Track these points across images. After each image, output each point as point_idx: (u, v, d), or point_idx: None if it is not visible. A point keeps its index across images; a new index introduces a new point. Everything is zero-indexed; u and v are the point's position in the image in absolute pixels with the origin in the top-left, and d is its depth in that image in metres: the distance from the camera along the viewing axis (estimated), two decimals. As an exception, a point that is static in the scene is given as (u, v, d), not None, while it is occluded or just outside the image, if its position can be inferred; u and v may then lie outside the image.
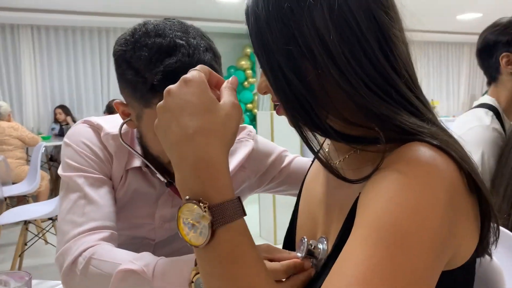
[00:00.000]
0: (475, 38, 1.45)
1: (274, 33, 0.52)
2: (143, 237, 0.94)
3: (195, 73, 0.53)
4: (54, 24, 5.99)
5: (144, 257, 0.73)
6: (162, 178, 0.87)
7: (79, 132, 0.91)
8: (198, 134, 0.48)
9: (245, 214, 0.50)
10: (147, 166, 0.90)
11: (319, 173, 0.70)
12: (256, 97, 7.20)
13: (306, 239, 0.62)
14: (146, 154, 0.89)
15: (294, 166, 1.04)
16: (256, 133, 1.07)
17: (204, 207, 0.46)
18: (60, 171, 0.88)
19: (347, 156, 0.61)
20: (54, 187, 5.50)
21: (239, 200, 0.49)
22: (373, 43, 0.51)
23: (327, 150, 0.68)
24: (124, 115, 0.86)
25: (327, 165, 0.55)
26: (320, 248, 0.62)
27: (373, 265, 0.41)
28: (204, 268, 0.48)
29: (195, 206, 0.46)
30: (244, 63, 7.12)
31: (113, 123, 0.91)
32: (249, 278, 0.46)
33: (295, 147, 3.54)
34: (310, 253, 0.61)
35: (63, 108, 5.84)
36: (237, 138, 1.03)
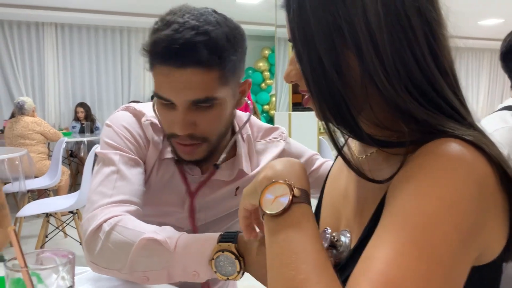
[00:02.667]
0: (496, 44, 1.45)
1: (319, 21, 0.51)
2: (171, 225, 0.97)
3: None
4: (78, 23, 6.11)
5: (168, 230, 0.76)
6: (172, 155, 0.92)
7: (121, 117, 0.95)
8: None
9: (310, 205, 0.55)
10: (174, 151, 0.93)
11: (343, 167, 0.70)
12: (273, 99, 7.23)
13: (329, 230, 0.64)
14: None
15: (324, 170, 1.05)
16: None
17: (290, 186, 0.53)
18: (97, 149, 0.93)
19: (369, 154, 0.62)
20: (74, 182, 5.60)
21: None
22: (423, 45, 0.50)
23: (353, 146, 0.67)
24: None
25: (350, 164, 0.55)
26: (342, 241, 0.63)
27: (400, 260, 0.41)
28: (271, 236, 0.51)
29: (284, 185, 0.53)
30: (262, 64, 7.15)
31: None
32: (304, 244, 0.48)
33: (312, 147, 3.56)
34: (332, 245, 0.63)
35: (84, 106, 5.95)
36: (269, 138, 1.04)
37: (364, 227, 0.56)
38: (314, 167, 1.06)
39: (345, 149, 0.57)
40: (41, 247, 3.04)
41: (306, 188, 0.54)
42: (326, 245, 0.63)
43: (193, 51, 0.76)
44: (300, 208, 0.51)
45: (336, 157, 0.81)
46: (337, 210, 0.68)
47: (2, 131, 4.91)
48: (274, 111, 6.89)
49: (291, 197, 0.51)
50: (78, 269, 1.11)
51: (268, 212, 0.52)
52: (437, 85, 0.51)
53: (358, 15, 0.49)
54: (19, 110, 4.29)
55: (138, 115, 0.96)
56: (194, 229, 0.97)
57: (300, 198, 0.52)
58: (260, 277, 0.68)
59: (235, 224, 1.02)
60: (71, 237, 3.44)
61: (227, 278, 0.70)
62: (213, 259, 0.69)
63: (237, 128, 1.00)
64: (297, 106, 4.92)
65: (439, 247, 0.41)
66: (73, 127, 5.89)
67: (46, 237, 3.19)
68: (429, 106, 0.50)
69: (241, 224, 0.65)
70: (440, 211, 0.43)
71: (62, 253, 0.55)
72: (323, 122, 0.56)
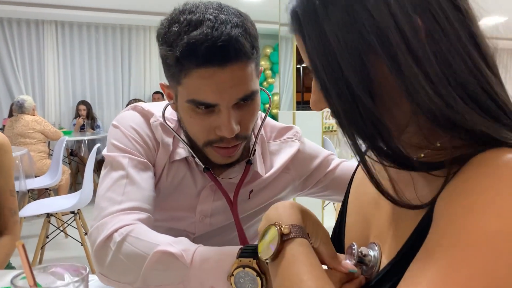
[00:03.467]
0: (500, 43, 1.40)
1: (343, 44, 0.45)
2: (183, 230, 0.93)
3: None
4: (78, 21, 6.06)
5: (183, 242, 0.71)
6: (200, 163, 0.88)
7: (129, 117, 0.91)
8: None
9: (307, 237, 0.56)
10: (192, 156, 0.89)
11: None
12: (275, 98, 7.18)
13: (356, 246, 0.59)
14: (190, 142, 0.88)
15: (340, 170, 1.01)
16: None
17: (278, 226, 0.55)
18: (104, 152, 0.89)
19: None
20: (74, 181, 5.56)
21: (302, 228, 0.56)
22: (469, 44, 0.44)
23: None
24: (169, 97, 0.86)
25: (381, 189, 0.49)
26: (371, 256, 0.59)
27: (452, 279, 0.38)
28: (273, 277, 0.54)
29: (273, 227, 0.56)
30: (264, 63, 7.10)
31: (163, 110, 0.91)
32: (304, 274, 0.49)
33: (316, 149, 3.53)
34: (360, 261, 0.59)
35: (86, 104, 5.90)
36: (283, 138, 1.01)
37: (404, 243, 0.51)
38: (330, 167, 1.02)
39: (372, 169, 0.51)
40: (42, 247, 3.00)
41: (297, 222, 0.55)
42: (354, 261, 0.58)
43: (237, 45, 0.72)
44: (294, 244, 0.53)
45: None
46: (365, 218, 0.64)
47: (2, 129, 4.86)
48: (276, 110, 6.85)
49: (279, 237, 0.53)
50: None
51: (265, 258, 0.55)
52: (491, 89, 0.45)
53: (390, 26, 0.43)
54: (19, 109, 4.25)
55: (146, 115, 0.92)
56: (206, 234, 0.92)
57: (291, 234, 0.54)
58: None
59: (248, 229, 0.98)
60: (72, 237, 3.40)
61: None
62: (232, 275, 0.64)
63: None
64: (298, 105, 4.90)
65: (494, 268, 0.37)
66: (74, 124, 5.85)
67: (47, 237, 3.15)
68: (486, 115, 0.44)
69: None
70: (499, 229, 0.38)
71: (73, 268, 0.50)
72: (356, 154, 0.50)
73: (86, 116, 5.82)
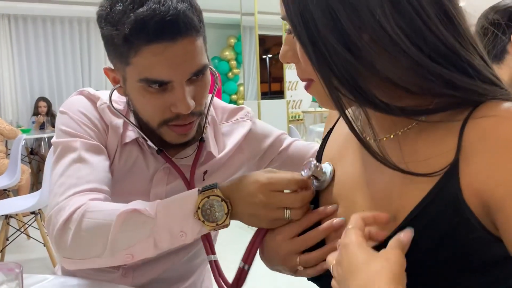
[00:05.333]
0: None
1: None
2: None
3: (352, 237, 0.48)
4: (32, 14, 5.81)
5: (142, 202, 0.72)
6: (153, 146, 0.86)
7: (76, 102, 0.90)
8: None
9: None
10: (143, 138, 0.87)
11: (349, 144, 0.63)
12: (241, 88, 7.16)
13: (314, 161, 0.63)
14: (140, 125, 0.87)
15: (294, 148, 1.01)
16: None
17: None
18: (53, 139, 0.86)
19: (384, 138, 0.55)
20: (35, 181, 5.37)
21: None
22: (434, 15, 0.47)
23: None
24: (114, 82, 0.85)
25: (371, 150, 0.51)
26: (325, 172, 0.64)
27: None
28: None
29: None
30: (228, 53, 7.05)
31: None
32: None
33: (282, 138, 3.54)
34: (314, 174, 0.64)
35: (46, 100, 5.69)
36: (234, 118, 1.00)
37: (415, 206, 0.49)
38: (283, 146, 1.01)
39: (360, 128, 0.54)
40: (1, 250, 2.89)
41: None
42: (309, 173, 0.63)
43: (186, 19, 0.72)
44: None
45: (328, 135, 0.74)
46: (350, 201, 0.60)
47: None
48: (242, 101, 6.83)
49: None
50: (38, 277, 1.03)
51: None
52: (458, 51, 0.48)
53: None
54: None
55: (93, 99, 0.91)
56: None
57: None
58: (247, 218, 0.68)
59: None
60: (34, 238, 3.28)
61: (216, 224, 0.67)
62: (198, 208, 0.66)
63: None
64: (265, 95, 4.89)
65: None
66: (33, 122, 5.63)
67: (7, 240, 3.04)
68: (455, 69, 0.47)
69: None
70: None
71: (8, 267, 0.47)
72: (336, 102, 0.51)
73: (46, 113, 5.62)
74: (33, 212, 2.95)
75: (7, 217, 2.87)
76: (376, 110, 0.50)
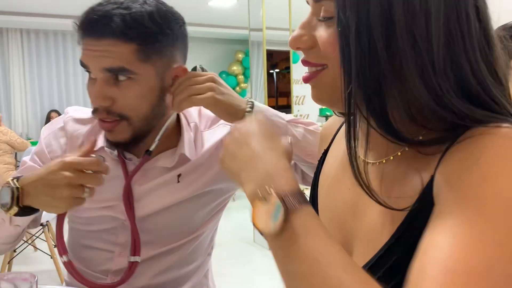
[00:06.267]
0: None
1: None
2: (115, 217, 0.95)
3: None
4: (44, 28, 5.93)
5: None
6: (112, 150, 0.93)
7: (42, 131, 1.02)
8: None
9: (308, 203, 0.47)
10: (111, 145, 0.92)
11: (345, 173, 0.60)
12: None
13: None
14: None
15: None
16: None
17: (278, 195, 0.46)
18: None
19: (384, 161, 0.54)
20: (43, 193, 5.40)
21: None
22: (478, 51, 0.46)
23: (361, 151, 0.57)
24: None
25: (360, 177, 0.48)
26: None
27: (481, 247, 0.37)
28: (281, 255, 0.46)
29: (272, 196, 0.46)
30: (236, 68, 7.12)
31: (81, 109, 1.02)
32: (321, 248, 0.43)
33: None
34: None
35: (58, 113, 5.76)
36: (216, 125, 1.03)
37: (389, 237, 0.48)
38: None
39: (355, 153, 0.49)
40: (9, 262, 2.90)
41: (296, 186, 0.47)
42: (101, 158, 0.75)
43: (109, 22, 0.79)
44: (301, 213, 0.44)
45: (324, 154, 0.70)
46: (343, 227, 0.58)
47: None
48: (249, 115, 6.86)
49: (283, 212, 0.44)
50: (46, 288, 1.03)
51: (267, 234, 0.45)
52: (490, 91, 0.46)
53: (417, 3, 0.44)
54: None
55: (59, 120, 1.02)
56: (131, 220, 0.92)
57: (294, 204, 0.45)
58: (44, 199, 0.76)
59: (180, 220, 0.97)
60: (41, 250, 3.29)
61: (7, 208, 0.77)
62: None
63: (184, 120, 0.99)
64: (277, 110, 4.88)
65: None
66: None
67: (14, 251, 3.05)
68: (476, 104, 0.45)
69: None
70: None
71: (22, 277, 0.48)
72: (346, 101, 0.47)
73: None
74: (41, 224, 2.96)
75: (15, 228, 2.88)
76: (378, 122, 0.47)
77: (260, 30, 3.57)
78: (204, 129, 1.01)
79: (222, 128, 1.01)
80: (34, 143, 4.86)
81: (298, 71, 4.25)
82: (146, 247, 0.93)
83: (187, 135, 0.97)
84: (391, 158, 0.52)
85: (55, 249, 2.94)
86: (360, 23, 0.45)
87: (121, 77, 0.83)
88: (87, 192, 0.77)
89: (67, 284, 1.02)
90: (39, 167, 0.93)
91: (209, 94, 0.83)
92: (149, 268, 0.95)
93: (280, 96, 8.04)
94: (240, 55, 7.16)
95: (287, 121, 0.92)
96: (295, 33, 0.53)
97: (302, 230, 0.43)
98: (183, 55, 0.92)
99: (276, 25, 3.80)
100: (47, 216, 2.84)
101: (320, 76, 0.52)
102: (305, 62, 0.54)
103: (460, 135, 0.44)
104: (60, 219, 0.85)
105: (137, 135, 0.88)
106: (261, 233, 0.46)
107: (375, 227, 0.51)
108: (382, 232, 0.49)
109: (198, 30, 6.54)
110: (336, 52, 0.48)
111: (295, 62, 4.14)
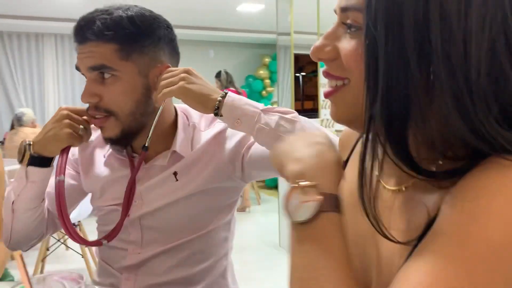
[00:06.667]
0: None
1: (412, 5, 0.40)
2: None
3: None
4: (77, 33, 6.10)
5: None
6: (117, 150, 1.03)
7: None
8: None
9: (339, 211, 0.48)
10: (106, 142, 0.99)
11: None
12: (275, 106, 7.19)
13: None
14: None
15: (257, 146, 1.00)
16: None
17: (318, 189, 0.47)
18: None
19: (390, 191, 0.51)
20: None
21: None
22: None
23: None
24: None
25: (366, 211, 0.46)
26: None
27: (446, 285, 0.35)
28: (296, 243, 0.48)
29: (312, 188, 0.47)
30: (263, 72, 7.14)
31: None
32: (327, 261, 0.45)
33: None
34: None
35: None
36: (213, 124, 1.05)
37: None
38: (250, 141, 1.01)
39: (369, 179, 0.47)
40: (43, 260, 2.99)
41: (335, 191, 0.48)
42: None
43: (92, 26, 0.88)
44: (328, 218, 0.46)
45: (345, 162, 0.66)
46: (364, 253, 0.54)
47: (3, 142, 4.87)
48: (275, 119, 6.86)
49: (317, 205, 0.46)
50: None
51: (293, 219, 0.47)
52: None
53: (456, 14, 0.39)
54: (18, 122, 4.26)
55: None
56: (123, 215, 0.98)
57: (328, 206, 0.46)
58: (51, 137, 0.93)
59: (182, 217, 1.01)
60: (72, 249, 3.38)
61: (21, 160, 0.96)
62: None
63: (183, 120, 1.04)
64: (300, 113, 4.86)
65: (494, 281, 0.35)
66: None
67: (47, 249, 3.14)
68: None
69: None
70: (504, 240, 0.35)
71: (71, 277, 0.51)
72: (367, 120, 0.44)
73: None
74: (73, 224, 3.04)
75: (49, 227, 2.97)
76: (395, 150, 0.43)
77: (288, 34, 3.57)
78: (204, 129, 1.05)
79: (217, 125, 1.04)
80: (66, 145, 5.00)
81: (326, 75, 4.22)
82: (152, 244, 1.00)
83: (181, 134, 1.01)
84: (403, 188, 0.50)
85: (87, 249, 3.03)
86: (391, 38, 0.41)
87: (106, 75, 0.90)
88: (82, 130, 0.93)
89: (95, 284, 1.06)
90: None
91: (180, 83, 0.86)
92: (157, 265, 1.00)
93: (306, 100, 8.02)
94: (266, 59, 7.18)
95: (261, 110, 0.89)
96: (318, 43, 0.50)
97: (321, 234, 0.45)
98: (170, 56, 0.97)
99: (304, 29, 3.80)
100: (79, 217, 2.91)
101: (341, 92, 0.50)
102: (326, 74, 0.51)
103: (478, 164, 0.40)
104: (65, 152, 0.95)
105: (127, 132, 0.94)
106: (286, 212, 0.48)
107: (392, 257, 0.48)
108: (398, 263, 0.46)
109: (226, 35, 6.60)
110: (359, 66, 0.45)
111: (322, 65, 4.12)
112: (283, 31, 3.68)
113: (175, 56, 0.99)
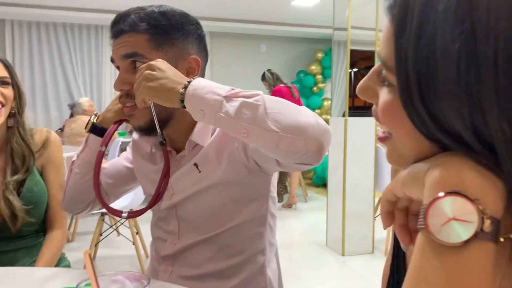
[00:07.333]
0: None
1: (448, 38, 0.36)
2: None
3: None
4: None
5: None
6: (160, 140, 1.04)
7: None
8: None
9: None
10: (136, 132, 1.05)
11: None
12: (325, 103, 7.08)
13: None
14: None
15: None
16: None
17: (480, 212, 0.36)
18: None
19: None
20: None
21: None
22: None
23: None
24: None
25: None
26: None
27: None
28: (429, 260, 0.37)
29: (473, 207, 0.36)
30: (314, 68, 7.03)
31: None
32: None
33: (369, 156, 3.40)
34: None
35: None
36: None
37: None
38: None
39: None
40: (96, 245, 3.10)
41: (499, 217, 0.36)
42: None
43: (127, 19, 0.95)
44: (481, 249, 0.35)
45: None
46: None
47: (62, 129, 5.11)
48: (326, 116, 6.75)
49: (476, 231, 0.35)
50: None
51: (435, 236, 0.36)
52: None
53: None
54: (76, 110, 4.45)
55: None
56: (153, 198, 1.03)
57: (488, 234, 0.35)
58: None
59: (209, 208, 1.02)
60: (123, 236, 3.50)
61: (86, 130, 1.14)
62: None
63: None
64: (351, 110, 4.77)
65: None
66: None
67: (101, 235, 3.26)
68: None
69: (382, 208, 0.50)
70: None
71: (135, 277, 0.49)
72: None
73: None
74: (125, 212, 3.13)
75: (103, 214, 3.08)
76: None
77: (345, 29, 3.47)
78: None
79: None
80: (121, 134, 5.17)
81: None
82: (187, 234, 1.04)
83: (200, 124, 1.02)
84: None
85: (137, 236, 3.11)
86: (424, 91, 0.38)
87: (138, 64, 0.95)
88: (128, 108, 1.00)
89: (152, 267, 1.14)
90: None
91: (142, 84, 0.85)
92: (192, 256, 1.03)
93: (357, 97, 7.82)
94: (319, 54, 7.06)
95: (224, 96, 0.79)
96: (361, 83, 0.48)
97: (466, 266, 0.35)
98: (198, 51, 1.01)
99: (362, 25, 3.68)
100: (131, 205, 3.00)
101: (390, 141, 0.47)
102: (376, 116, 0.47)
103: None
104: (116, 125, 1.09)
105: (157, 121, 0.97)
106: (424, 227, 0.38)
107: None
108: None
109: (280, 29, 6.55)
110: (395, 126, 0.42)
111: (378, 61, 3.98)
112: (339, 26, 3.58)
113: (203, 52, 1.03)
